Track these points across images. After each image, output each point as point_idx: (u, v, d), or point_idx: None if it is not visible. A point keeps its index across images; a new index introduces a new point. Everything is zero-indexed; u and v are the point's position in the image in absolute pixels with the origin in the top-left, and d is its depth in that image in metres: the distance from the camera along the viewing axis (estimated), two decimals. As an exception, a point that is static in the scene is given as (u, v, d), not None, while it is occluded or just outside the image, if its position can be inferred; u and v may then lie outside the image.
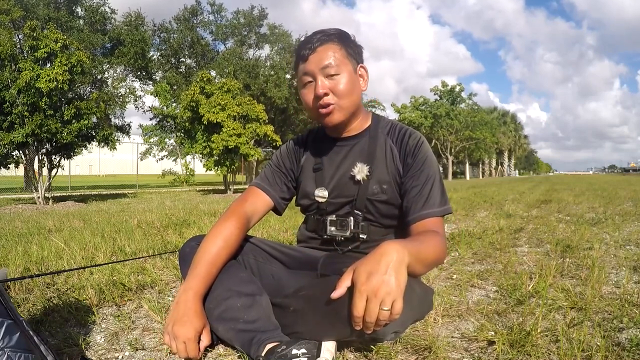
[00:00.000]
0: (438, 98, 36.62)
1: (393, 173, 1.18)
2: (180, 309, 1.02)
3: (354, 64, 1.16)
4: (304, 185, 1.27)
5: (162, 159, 23.13)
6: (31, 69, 6.75)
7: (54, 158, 7.69)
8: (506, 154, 59.89)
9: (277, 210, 1.29)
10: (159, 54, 22.96)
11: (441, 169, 39.29)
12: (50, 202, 7.56)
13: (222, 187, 13.92)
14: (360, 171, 1.18)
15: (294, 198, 1.34)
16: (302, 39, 1.21)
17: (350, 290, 0.87)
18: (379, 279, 0.82)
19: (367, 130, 1.23)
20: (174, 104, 19.49)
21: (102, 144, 8.42)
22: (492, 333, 1.17)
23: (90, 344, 1.16)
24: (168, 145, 22.41)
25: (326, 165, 1.24)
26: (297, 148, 1.31)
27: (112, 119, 17.66)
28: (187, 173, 19.75)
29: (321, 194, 1.22)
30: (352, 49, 1.16)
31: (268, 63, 23.47)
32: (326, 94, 1.11)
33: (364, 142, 1.22)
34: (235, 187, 12.18)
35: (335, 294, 0.86)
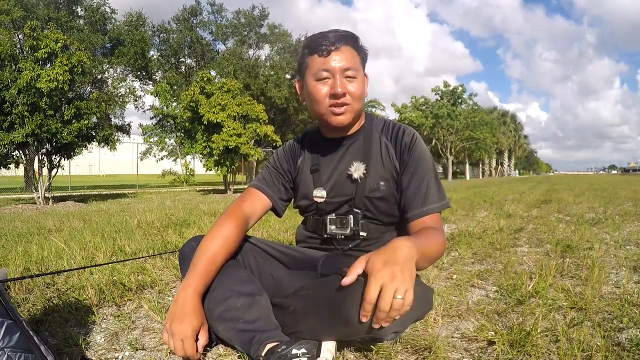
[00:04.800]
0: (439, 98, 36.59)
1: (390, 170, 1.19)
2: (179, 306, 1.03)
3: (362, 70, 1.18)
4: (302, 186, 1.27)
5: (162, 159, 23.12)
6: (31, 69, 6.75)
7: (54, 158, 7.69)
8: (506, 154, 59.90)
9: (276, 211, 1.29)
10: (158, 54, 22.97)
11: (441, 169, 39.33)
12: (50, 202, 7.56)
13: (222, 187, 13.92)
14: (357, 169, 1.19)
15: (292, 200, 1.34)
16: (304, 37, 1.22)
17: (350, 292, 0.88)
18: (395, 268, 0.84)
19: (362, 130, 1.24)
20: (174, 104, 19.49)
21: (102, 144, 8.42)
22: (492, 333, 1.17)
23: (90, 344, 1.16)
24: (168, 145, 22.39)
25: (323, 165, 1.25)
26: (293, 150, 1.32)
27: (112, 119, 17.68)
28: (187, 173, 19.73)
29: (319, 194, 1.23)
30: (364, 56, 1.19)
31: (268, 63, 23.48)
32: (344, 94, 1.12)
33: (359, 141, 1.23)
34: (235, 187, 12.19)
35: (346, 281, 0.87)
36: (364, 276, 0.87)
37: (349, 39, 1.14)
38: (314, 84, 1.14)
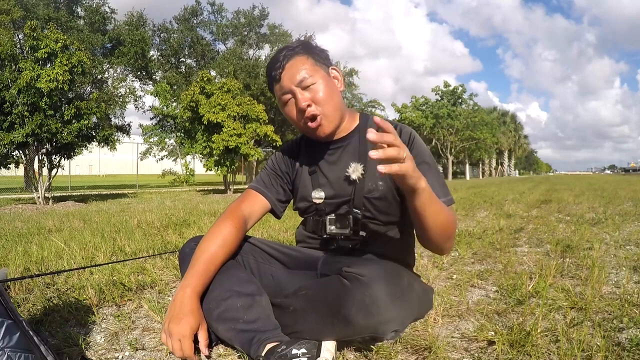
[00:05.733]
0: (439, 98, 36.58)
1: None
2: (177, 306, 1.03)
3: (325, 68, 1.18)
4: (301, 188, 1.28)
5: (162, 159, 23.14)
6: (31, 69, 6.75)
7: (54, 158, 7.69)
8: (506, 154, 59.88)
9: (275, 212, 1.29)
10: (159, 54, 22.98)
11: (441, 169, 39.29)
12: (50, 202, 7.56)
13: (222, 187, 13.92)
14: (355, 170, 1.19)
15: (292, 202, 1.34)
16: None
17: (350, 291, 0.88)
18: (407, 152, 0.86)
19: (357, 130, 1.24)
20: (174, 104, 19.49)
21: (102, 144, 8.42)
22: (492, 333, 1.17)
23: (90, 344, 1.16)
24: (168, 145, 22.42)
25: (321, 167, 1.25)
26: (291, 152, 1.32)
27: (112, 119, 17.69)
28: (187, 173, 19.75)
29: (318, 196, 1.23)
30: (318, 55, 1.18)
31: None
32: (309, 105, 1.13)
33: (355, 142, 1.23)
34: (235, 187, 12.19)
35: (371, 135, 0.81)
36: (364, 276, 0.87)
37: (294, 50, 1.16)
38: (284, 110, 1.19)
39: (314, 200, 1.24)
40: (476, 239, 2.84)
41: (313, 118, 1.14)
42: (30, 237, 3.12)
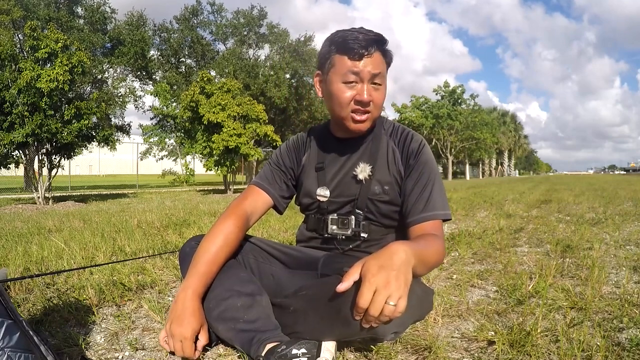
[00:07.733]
0: (439, 98, 36.59)
1: (394, 174, 1.19)
2: (178, 307, 1.03)
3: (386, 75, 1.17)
4: (306, 183, 1.27)
5: (162, 159, 23.15)
6: (32, 69, 6.75)
7: (54, 158, 7.69)
8: (506, 154, 59.90)
9: (277, 208, 1.29)
10: (159, 53, 22.97)
11: (441, 168, 39.29)
12: (50, 202, 7.56)
13: (222, 187, 13.92)
14: (363, 171, 1.19)
15: (294, 196, 1.34)
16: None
17: (350, 292, 0.88)
18: (391, 273, 0.82)
19: (371, 131, 1.24)
20: (174, 104, 19.49)
21: (102, 144, 8.42)
22: (492, 333, 1.17)
23: (90, 344, 1.16)
24: (168, 145, 22.42)
25: (329, 164, 1.25)
26: (297, 146, 1.31)
27: (112, 119, 17.69)
28: (187, 173, 19.76)
29: (323, 193, 1.23)
30: (389, 60, 1.16)
31: (268, 63, 23.48)
32: (369, 103, 1.11)
33: (367, 143, 1.23)
34: (235, 187, 12.19)
35: (341, 287, 0.86)
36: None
37: (380, 44, 1.11)
38: (340, 86, 1.12)
39: (318, 198, 1.23)
40: (476, 239, 2.84)
41: (364, 113, 1.13)
42: (30, 237, 3.11)
